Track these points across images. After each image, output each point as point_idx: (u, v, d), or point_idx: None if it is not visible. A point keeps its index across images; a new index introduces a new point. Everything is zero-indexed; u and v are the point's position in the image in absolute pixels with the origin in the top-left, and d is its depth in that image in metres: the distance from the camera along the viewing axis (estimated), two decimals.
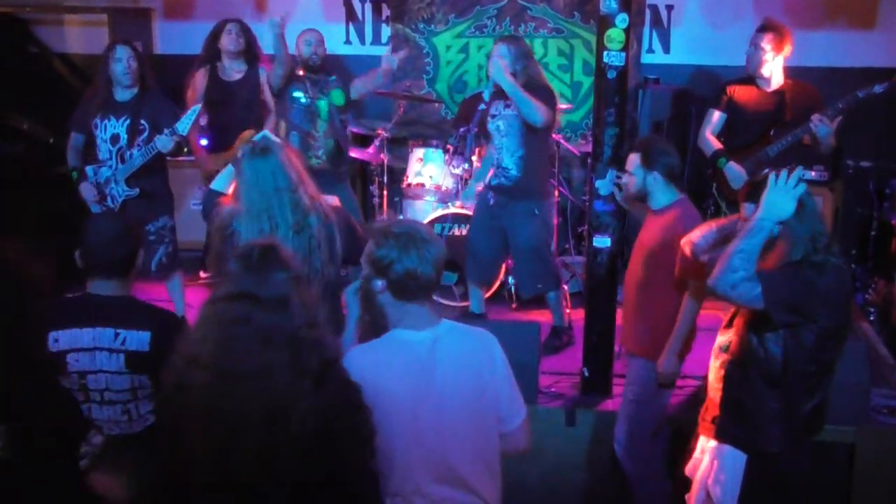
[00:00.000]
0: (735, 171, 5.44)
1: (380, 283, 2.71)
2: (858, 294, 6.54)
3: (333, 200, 3.91)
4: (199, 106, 5.34)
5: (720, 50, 7.06)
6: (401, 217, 6.27)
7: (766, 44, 5.38)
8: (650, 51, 7.23)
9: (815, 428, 3.34)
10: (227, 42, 6.03)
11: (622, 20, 4.57)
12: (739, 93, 5.59)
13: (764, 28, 5.43)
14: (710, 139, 5.61)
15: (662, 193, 4.07)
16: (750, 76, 5.54)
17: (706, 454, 3.42)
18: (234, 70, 6.09)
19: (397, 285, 2.69)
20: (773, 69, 5.44)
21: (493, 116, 5.47)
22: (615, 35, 4.58)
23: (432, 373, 2.69)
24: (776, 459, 3.27)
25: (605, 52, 4.61)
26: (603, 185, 4.67)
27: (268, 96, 6.17)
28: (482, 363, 2.79)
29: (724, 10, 7.06)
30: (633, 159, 4.15)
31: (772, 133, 5.40)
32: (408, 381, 2.67)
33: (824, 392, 3.26)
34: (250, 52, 6.13)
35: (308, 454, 2.31)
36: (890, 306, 5.95)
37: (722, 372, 3.32)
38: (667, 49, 7.22)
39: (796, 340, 3.13)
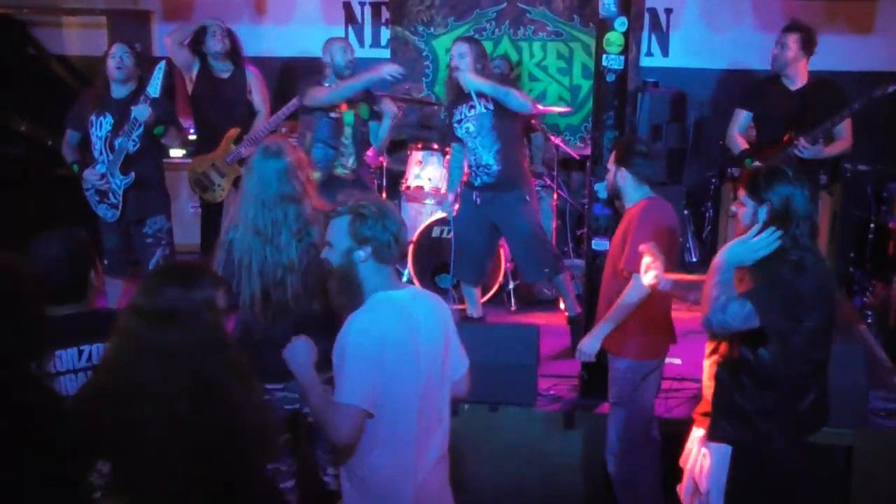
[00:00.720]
0: None
1: (362, 253, 2.90)
2: (856, 297, 6.55)
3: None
4: (163, 63, 5.30)
5: (719, 53, 7.08)
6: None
7: (794, 43, 5.39)
8: (649, 54, 7.24)
9: (816, 424, 3.35)
10: (213, 44, 6.01)
11: (621, 24, 4.58)
12: (765, 92, 5.63)
13: (791, 28, 5.45)
14: (738, 139, 5.64)
15: (633, 192, 4.08)
16: (776, 75, 5.56)
17: (695, 444, 3.44)
18: (221, 70, 6.09)
19: (382, 250, 2.91)
20: (799, 69, 5.46)
21: (459, 122, 5.52)
22: (614, 38, 4.59)
23: (418, 326, 2.93)
24: (769, 454, 3.28)
25: (604, 56, 4.62)
26: (602, 188, 4.67)
27: (255, 98, 6.15)
28: (445, 318, 3.08)
29: (722, 14, 7.08)
30: (610, 158, 4.20)
31: (794, 133, 5.40)
32: (407, 334, 2.89)
33: (819, 389, 3.27)
34: (235, 53, 6.14)
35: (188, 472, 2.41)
36: (888, 309, 5.96)
37: (713, 370, 3.34)
38: (665, 52, 7.24)
39: (784, 344, 3.14)
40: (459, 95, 5.49)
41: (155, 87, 5.12)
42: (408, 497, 2.93)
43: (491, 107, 5.38)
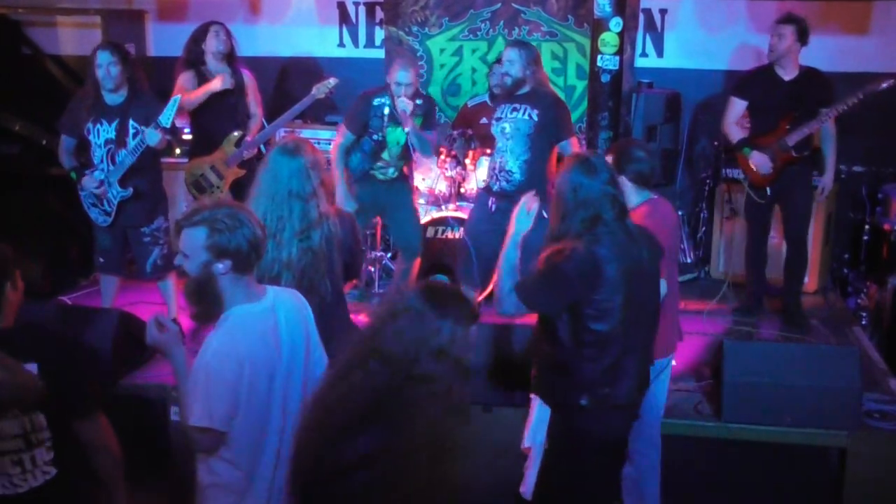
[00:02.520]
0: (760, 159, 5.60)
1: (221, 266, 2.79)
2: (851, 299, 6.56)
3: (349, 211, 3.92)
4: (179, 96, 5.31)
5: (714, 54, 7.08)
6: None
7: (790, 34, 5.51)
8: (644, 55, 7.24)
9: (619, 390, 3.44)
10: (216, 44, 5.97)
11: (616, 24, 4.60)
12: (760, 81, 5.72)
13: (787, 20, 5.58)
14: (735, 127, 5.79)
15: (632, 195, 4.08)
16: (770, 66, 5.67)
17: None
18: (218, 73, 6.06)
19: (240, 259, 2.81)
20: (792, 59, 5.59)
21: (498, 119, 5.45)
22: (609, 39, 4.61)
23: (279, 336, 2.90)
24: (578, 414, 3.44)
25: (598, 56, 4.65)
26: None
27: (249, 101, 6.14)
28: (307, 316, 3.06)
29: (717, 15, 7.07)
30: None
31: (787, 124, 5.53)
32: (265, 350, 2.84)
33: (613, 358, 3.38)
34: (233, 55, 6.12)
35: None
36: (882, 311, 5.96)
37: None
38: (660, 53, 7.23)
39: (562, 320, 3.39)
40: (509, 94, 5.40)
41: (167, 118, 5.11)
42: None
43: (536, 118, 5.31)
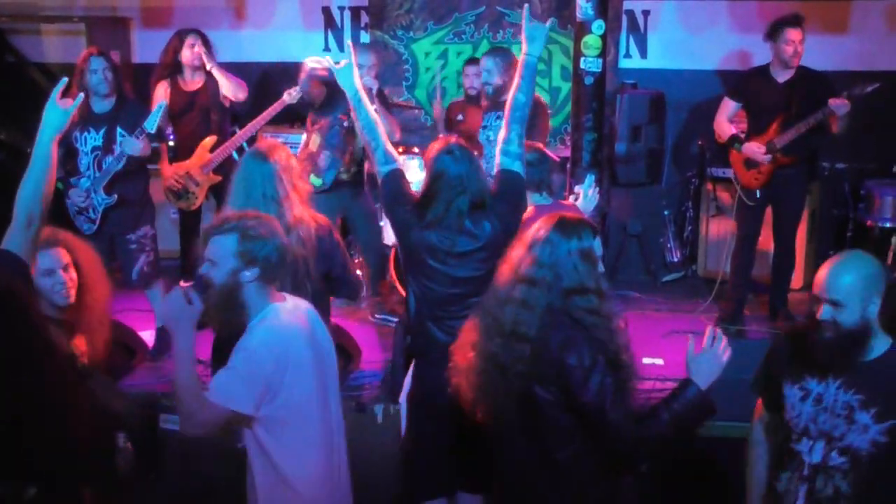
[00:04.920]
0: (752, 148, 5.61)
1: (249, 273, 2.85)
2: None
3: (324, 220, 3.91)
4: (164, 102, 5.37)
5: (696, 55, 7.13)
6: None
7: (795, 37, 5.49)
8: (627, 56, 7.28)
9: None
10: (190, 56, 5.98)
11: (598, 27, 4.63)
12: (754, 83, 5.73)
13: (799, 22, 5.53)
14: (724, 125, 5.80)
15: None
16: (765, 68, 5.67)
17: None
18: (193, 80, 6.06)
19: (269, 271, 2.89)
20: (792, 62, 5.58)
21: (485, 128, 5.48)
22: (592, 42, 4.64)
23: (314, 336, 3.03)
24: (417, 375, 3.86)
25: (582, 59, 4.67)
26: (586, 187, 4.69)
27: (221, 84, 6.14)
28: (319, 320, 3.16)
29: (699, 16, 7.13)
30: None
31: (778, 126, 5.54)
32: (308, 349, 2.97)
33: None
34: (212, 63, 6.11)
35: None
36: None
37: None
38: (644, 54, 7.28)
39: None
40: (493, 102, 5.45)
41: (152, 124, 5.14)
42: (328, 497, 3.07)
43: None
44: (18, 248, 2.83)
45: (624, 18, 7.17)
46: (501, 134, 3.82)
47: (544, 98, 7.25)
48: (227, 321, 2.89)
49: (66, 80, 3.33)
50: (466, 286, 3.64)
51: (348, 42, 4.35)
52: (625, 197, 6.87)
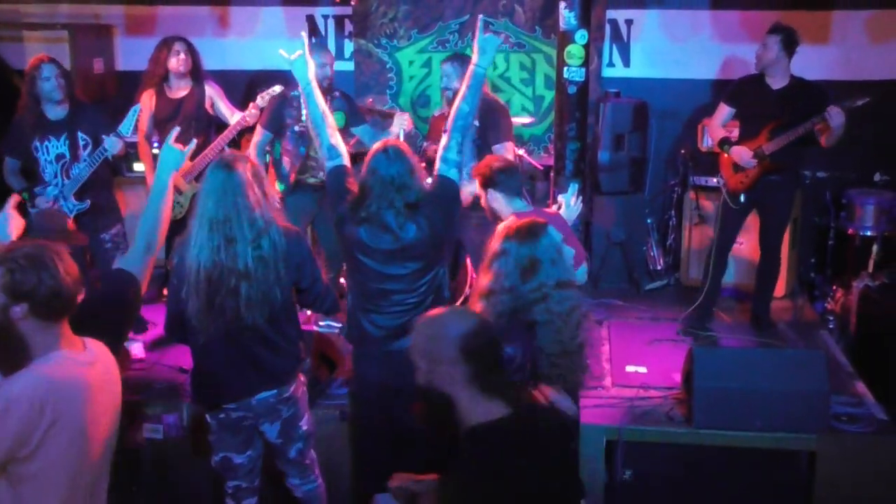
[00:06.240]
0: (740, 151, 5.63)
1: (18, 309, 2.58)
2: (818, 303, 6.64)
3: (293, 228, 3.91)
4: (138, 105, 5.46)
5: (679, 63, 7.17)
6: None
7: (774, 44, 5.54)
8: (611, 64, 7.31)
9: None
10: (176, 63, 5.99)
11: (581, 36, 4.65)
12: (748, 89, 5.76)
13: (773, 29, 5.59)
14: (717, 128, 5.85)
15: (505, 208, 4.23)
16: (760, 74, 5.70)
17: None
18: (179, 87, 6.08)
19: (39, 307, 2.60)
20: (781, 69, 5.60)
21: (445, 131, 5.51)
22: (575, 51, 4.66)
23: (96, 393, 2.71)
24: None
25: (565, 68, 4.69)
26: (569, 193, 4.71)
27: (222, 110, 6.16)
28: (115, 365, 2.89)
29: (682, 25, 7.16)
30: (475, 184, 4.43)
31: (769, 133, 5.56)
32: (82, 407, 2.65)
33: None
34: (196, 69, 6.13)
35: None
36: (848, 314, 6.04)
37: None
38: (627, 63, 7.31)
39: None
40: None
41: (127, 127, 5.26)
42: None
43: (478, 124, 5.35)
44: (136, 269, 3.18)
45: (607, 28, 7.20)
46: (443, 141, 3.92)
47: (528, 106, 7.30)
48: (5, 360, 2.64)
49: (177, 130, 3.67)
50: (393, 283, 3.80)
51: (302, 33, 4.41)
52: (608, 205, 6.88)
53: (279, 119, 5.75)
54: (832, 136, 5.44)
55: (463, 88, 3.95)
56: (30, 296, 2.57)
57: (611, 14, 7.19)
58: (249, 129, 6.02)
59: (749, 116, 5.76)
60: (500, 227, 3.33)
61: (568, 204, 4.46)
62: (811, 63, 6.72)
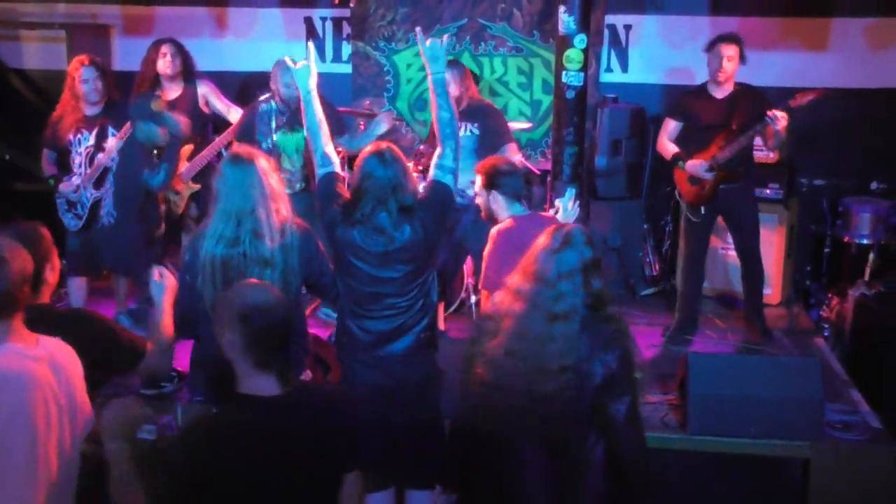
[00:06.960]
0: (695, 164, 5.62)
1: None
2: (813, 310, 6.64)
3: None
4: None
5: (677, 69, 7.16)
6: None
7: (728, 52, 5.55)
8: (609, 70, 7.30)
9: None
10: (163, 66, 6.02)
11: (581, 41, 4.65)
12: (692, 102, 5.78)
13: (733, 40, 5.60)
14: (667, 144, 5.82)
15: (504, 211, 4.24)
16: (703, 86, 5.72)
17: None
18: (172, 89, 6.10)
19: None
20: (727, 78, 5.61)
21: None
22: (574, 56, 4.65)
23: (45, 389, 2.69)
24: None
25: (563, 73, 4.69)
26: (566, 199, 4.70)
27: (218, 108, 6.17)
28: (75, 365, 2.85)
29: (681, 31, 7.15)
30: (477, 181, 4.46)
31: (721, 142, 5.56)
32: (25, 401, 2.64)
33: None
34: (187, 70, 6.14)
35: None
36: (844, 322, 6.04)
37: None
38: (625, 68, 7.31)
39: None
40: (464, 111, 5.44)
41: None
42: None
43: (477, 131, 5.35)
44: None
45: (606, 33, 7.20)
46: (437, 150, 3.94)
47: (525, 111, 7.30)
48: None
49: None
50: (385, 286, 3.78)
51: (308, 43, 4.43)
52: (605, 210, 6.88)
53: (249, 133, 5.67)
54: (776, 139, 5.47)
55: (433, 98, 3.99)
56: None
57: (609, 19, 7.19)
58: None
59: (696, 127, 5.74)
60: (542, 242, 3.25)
61: (565, 208, 4.46)
62: (809, 70, 6.74)
